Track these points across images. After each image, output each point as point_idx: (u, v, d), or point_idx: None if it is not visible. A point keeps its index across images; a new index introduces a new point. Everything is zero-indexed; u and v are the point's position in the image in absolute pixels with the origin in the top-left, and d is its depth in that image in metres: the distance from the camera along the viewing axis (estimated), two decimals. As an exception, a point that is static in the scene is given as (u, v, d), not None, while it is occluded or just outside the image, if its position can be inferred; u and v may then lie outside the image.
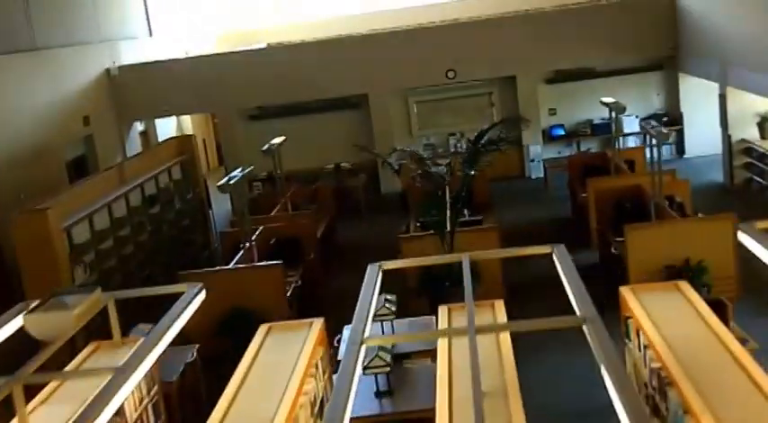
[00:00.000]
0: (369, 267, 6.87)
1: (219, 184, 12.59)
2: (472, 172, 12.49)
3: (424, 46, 20.71)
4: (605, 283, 10.94)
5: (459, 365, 5.96)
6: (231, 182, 12.63)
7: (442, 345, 6.35)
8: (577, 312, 5.26)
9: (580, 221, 15.90)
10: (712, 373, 5.60)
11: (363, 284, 6.55)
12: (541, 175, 20.92)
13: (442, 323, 7.15)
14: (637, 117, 20.51)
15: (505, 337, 6.35)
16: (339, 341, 10.43)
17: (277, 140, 16.06)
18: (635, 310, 6.68)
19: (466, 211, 14.63)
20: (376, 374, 8.78)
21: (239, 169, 13.31)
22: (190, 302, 6.49)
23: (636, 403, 3.93)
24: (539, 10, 22.65)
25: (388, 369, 8.68)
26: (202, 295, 6.74)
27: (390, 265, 6.85)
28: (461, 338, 5.79)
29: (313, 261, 14.25)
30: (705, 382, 5.43)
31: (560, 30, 20.45)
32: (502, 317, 6.75)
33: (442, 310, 7.41)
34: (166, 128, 22.97)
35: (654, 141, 12.59)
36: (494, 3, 25.79)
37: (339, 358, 10.05)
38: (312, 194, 17.56)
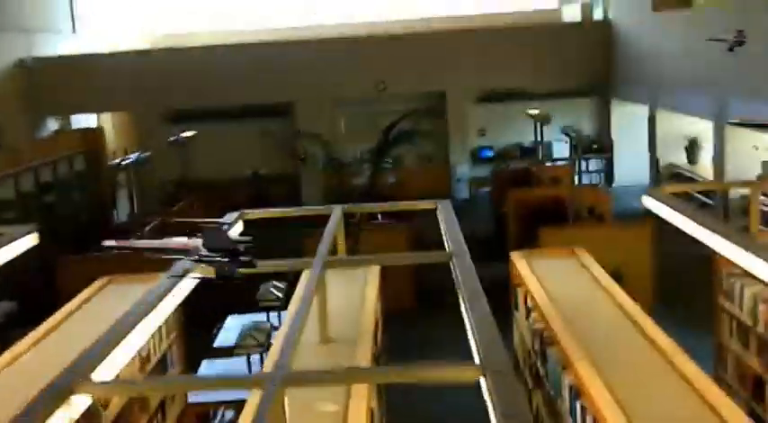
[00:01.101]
0: (227, 215, 6.12)
1: (110, 163, 11.71)
2: (384, 164, 11.78)
3: (355, 57, 20.10)
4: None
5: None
6: (124, 163, 11.76)
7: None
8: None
9: (501, 235, 15.27)
10: (598, 328, 4.90)
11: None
12: (467, 196, 20.33)
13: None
14: (566, 142, 20.08)
15: (371, 293, 5.56)
16: (219, 329, 9.63)
17: (187, 134, 15.21)
18: (523, 273, 5.96)
19: (379, 216, 13.94)
20: (248, 355, 7.95)
21: (135, 154, 12.45)
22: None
23: (490, 329, 3.18)
24: (472, 27, 22.14)
25: (261, 349, 7.85)
26: (30, 239, 5.90)
27: (250, 214, 6.10)
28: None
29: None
30: (588, 336, 4.71)
31: (493, 49, 19.99)
32: (374, 275, 5.95)
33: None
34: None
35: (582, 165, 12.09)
36: (428, 20, 25.23)
37: (215, 345, 9.23)
38: (224, 198, 16.60)
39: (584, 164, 20.49)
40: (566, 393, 4.52)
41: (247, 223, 6.48)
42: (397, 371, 3.23)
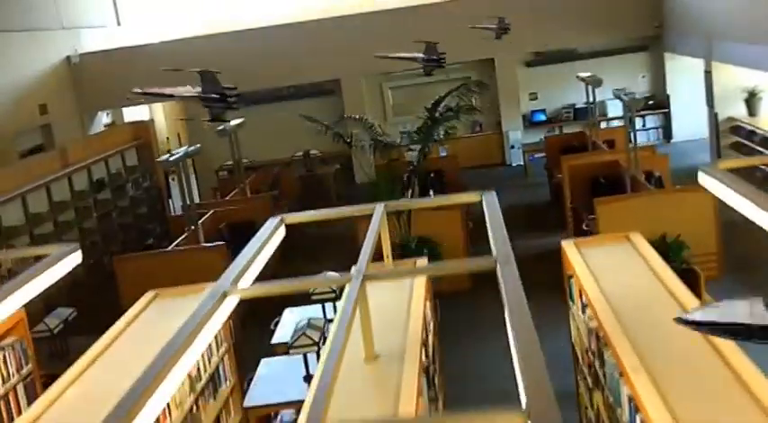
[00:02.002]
0: (268, 221, 6.01)
1: (159, 159, 11.69)
2: (430, 142, 11.55)
3: (397, 28, 19.75)
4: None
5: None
6: (172, 158, 11.73)
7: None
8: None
9: (557, 203, 14.98)
10: (656, 330, 4.63)
11: (257, 236, 5.69)
12: (522, 163, 19.96)
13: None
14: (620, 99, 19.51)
15: (419, 293, 5.39)
16: (276, 324, 9.57)
17: (235, 122, 15.13)
18: (576, 265, 5.73)
19: (431, 193, 13.74)
20: (305, 354, 7.86)
21: (184, 148, 12.42)
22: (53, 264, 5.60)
23: (537, 363, 3.00)
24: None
25: (317, 349, 7.75)
26: (75, 257, 5.86)
27: (292, 218, 5.98)
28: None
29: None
30: (645, 339, 4.47)
31: (541, 8, 19.45)
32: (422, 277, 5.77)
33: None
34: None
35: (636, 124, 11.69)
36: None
37: (272, 342, 9.17)
38: (274, 180, 16.60)
39: (640, 121, 19.99)
40: (625, 403, 4.31)
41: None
42: (435, 420, 3.07)
